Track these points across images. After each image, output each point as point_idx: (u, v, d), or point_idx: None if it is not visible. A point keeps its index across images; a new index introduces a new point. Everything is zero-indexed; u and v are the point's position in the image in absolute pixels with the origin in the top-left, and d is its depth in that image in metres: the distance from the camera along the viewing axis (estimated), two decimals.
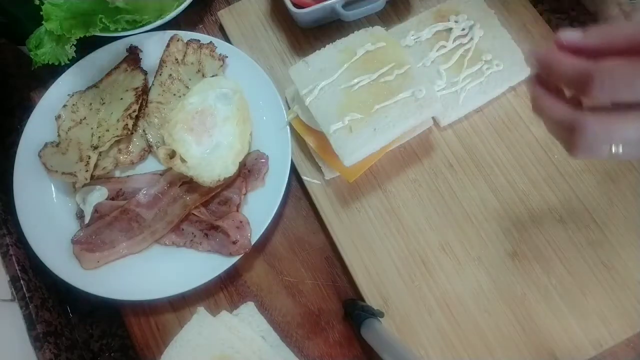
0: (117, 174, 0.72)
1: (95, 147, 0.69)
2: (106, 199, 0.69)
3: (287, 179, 0.67)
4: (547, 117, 0.41)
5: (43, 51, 0.73)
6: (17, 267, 0.65)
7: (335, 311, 0.66)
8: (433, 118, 0.70)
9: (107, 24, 0.74)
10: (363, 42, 0.68)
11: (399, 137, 0.66)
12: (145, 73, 0.75)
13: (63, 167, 0.69)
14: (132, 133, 0.71)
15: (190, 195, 0.68)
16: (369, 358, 0.64)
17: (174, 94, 0.74)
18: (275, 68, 0.77)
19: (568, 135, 0.39)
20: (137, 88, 0.73)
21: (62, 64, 0.74)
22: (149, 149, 0.72)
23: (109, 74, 0.75)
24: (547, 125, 0.43)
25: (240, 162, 0.68)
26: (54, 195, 0.70)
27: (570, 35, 0.39)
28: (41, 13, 0.70)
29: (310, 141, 0.69)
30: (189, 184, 0.68)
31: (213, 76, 0.73)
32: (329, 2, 0.70)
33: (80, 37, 0.73)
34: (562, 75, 0.39)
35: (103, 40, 0.76)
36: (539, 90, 0.42)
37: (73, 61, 0.75)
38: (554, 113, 0.40)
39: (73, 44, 0.73)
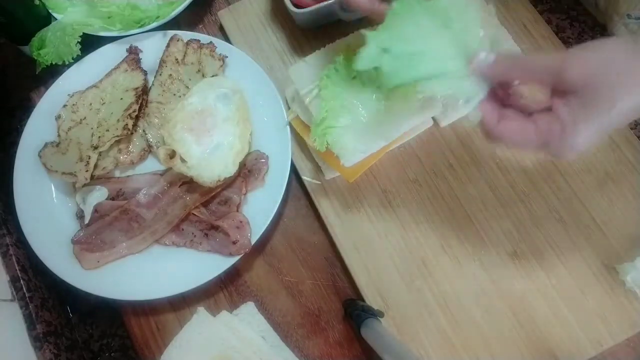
0: (117, 174, 0.72)
1: (95, 147, 0.69)
2: (106, 199, 0.69)
3: (287, 179, 0.67)
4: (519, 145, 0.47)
5: (46, 51, 0.73)
6: (17, 267, 0.65)
7: (335, 311, 0.66)
8: (433, 118, 0.70)
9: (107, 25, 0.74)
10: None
11: (399, 137, 0.66)
12: (145, 73, 0.75)
13: (63, 167, 0.69)
14: (132, 133, 0.71)
15: (190, 195, 0.68)
16: (369, 358, 0.64)
17: (174, 94, 0.74)
18: (275, 68, 0.77)
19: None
20: (137, 88, 0.73)
21: (67, 62, 0.74)
22: (149, 149, 0.72)
23: (109, 74, 0.75)
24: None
25: (240, 162, 0.68)
26: (54, 195, 0.70)
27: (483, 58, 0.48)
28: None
29: (310, 141, 0.69)
30: (189, 184, 0.68)
31: (213, 76, 0.73)
32: (328, 2, 0.70)
33: (79, 38, 0.73)
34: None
35: (103, 40, 0.76)
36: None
37: (73, 61, 0.75)
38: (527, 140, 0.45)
39: (78, 42, 0.73)
